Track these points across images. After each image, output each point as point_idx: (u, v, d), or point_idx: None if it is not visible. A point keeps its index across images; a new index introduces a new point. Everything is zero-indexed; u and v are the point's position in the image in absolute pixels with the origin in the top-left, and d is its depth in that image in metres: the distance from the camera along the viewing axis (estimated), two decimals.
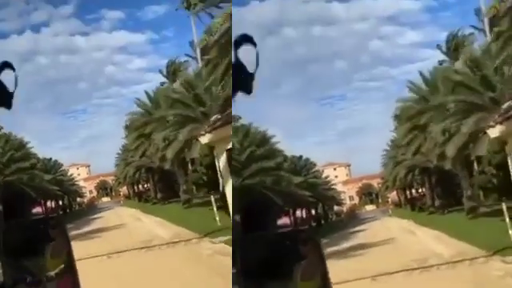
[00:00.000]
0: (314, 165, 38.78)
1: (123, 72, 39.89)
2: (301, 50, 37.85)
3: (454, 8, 36.49)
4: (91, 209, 43.29)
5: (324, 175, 41.32)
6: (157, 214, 39.87)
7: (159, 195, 42.77)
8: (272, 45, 36.56)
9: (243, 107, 28.02)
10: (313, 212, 41.65)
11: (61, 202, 43.16)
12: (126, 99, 39.46)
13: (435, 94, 34.75)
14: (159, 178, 42.41)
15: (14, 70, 5.96)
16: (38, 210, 39.69)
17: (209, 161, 36.63)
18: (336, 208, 43.31)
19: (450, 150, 34.02)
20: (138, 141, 40.78)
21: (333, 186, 42.13)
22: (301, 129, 37.57)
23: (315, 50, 37.88)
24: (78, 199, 44.65)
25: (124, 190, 45.00)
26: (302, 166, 38.21)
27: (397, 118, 36.48)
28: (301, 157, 38.36)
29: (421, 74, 35.46)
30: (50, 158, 40.61)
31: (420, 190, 41.21)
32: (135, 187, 44.72)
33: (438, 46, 35.20)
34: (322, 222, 42.14)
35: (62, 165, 41.66)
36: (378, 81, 38.20)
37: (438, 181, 38.59)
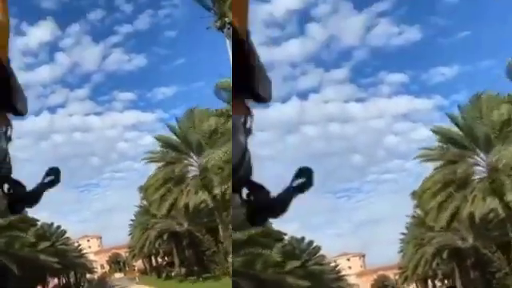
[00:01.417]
0: (319, 248, 33.08)
1: (135, 147, 40.26)
2: (319, 146, 40.48)
3: (465, 107, 34.05)
4: (102, 287, 39.19)
5: (337, 267, 36.74)
6: None
7: (183, 270, 36.36)
8: (291, 141, 39.43)
9: None
10: None
11: (66, 279, 39.12)
12: (138, 173, 37.89)
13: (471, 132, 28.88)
14: (187, 246, 35.93)
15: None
16: None
17: None
18: None
19: None
20: (163, 188, 33.82)
21: (344, 277, 36.76)
22: (317, 221, 39.10)
23: (333, 146, 40.57)
24: (88, 275, 40.68)
25: (139, 263, 41.08)
26: (303, 250, 32.23)
27: (415, 194, 31.43)
28: (303, 238, 32.84)
29: (448, 114, 30.22)
30: (52, 223, 35.33)
31: (446, 282, 35.49)
32: (153, 260, 39.41)
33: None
34: None
35: (65, 231, 36.18)
36: (393, 173, 39.97)
37: (474, 266, 31.13)
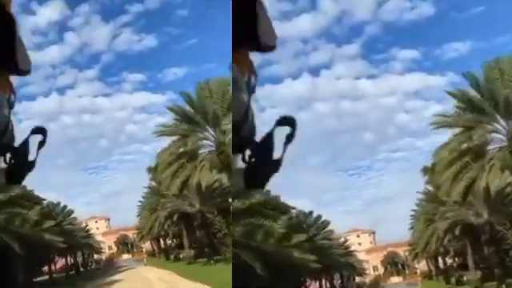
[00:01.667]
0: (328, 223, 32.00)
1: (144, 130, 39.66)
2: (330, 123, 40.72)
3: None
4: (109, 267, 38.34)
5: (347, 243, 36.33)
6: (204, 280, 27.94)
7: (192, 252, 35.13)
8: (303, 118, 38.67)
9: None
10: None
11: (73, 259, 38.37)
12: (147, 155, 37.50)
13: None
14: (197, 227, 34.06)
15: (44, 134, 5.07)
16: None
17: None
18: (357, 279, 37.94)
19: None
20: (175, 164, 31.32)
21: (354, 253, 36.36)
22: (328, 198, 39.20)
23: (344, 123, 40.71)
24: (96, 256, 40.04)
25: (147, 245, 39.78)
26: (310, 224, 30.92)
27: (426, 169, 30.25)
28: (311, 212, 31.61)
29: (465, 74, 27.26)
30: (58, 203, 34.46)
31: (457, 259, 34.60)
32: (161, 242, 38.68)
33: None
34: None
35: (72, 211, 35.20)
36: (404, 151, 39.86)
37: (488, 243, 29.40)
